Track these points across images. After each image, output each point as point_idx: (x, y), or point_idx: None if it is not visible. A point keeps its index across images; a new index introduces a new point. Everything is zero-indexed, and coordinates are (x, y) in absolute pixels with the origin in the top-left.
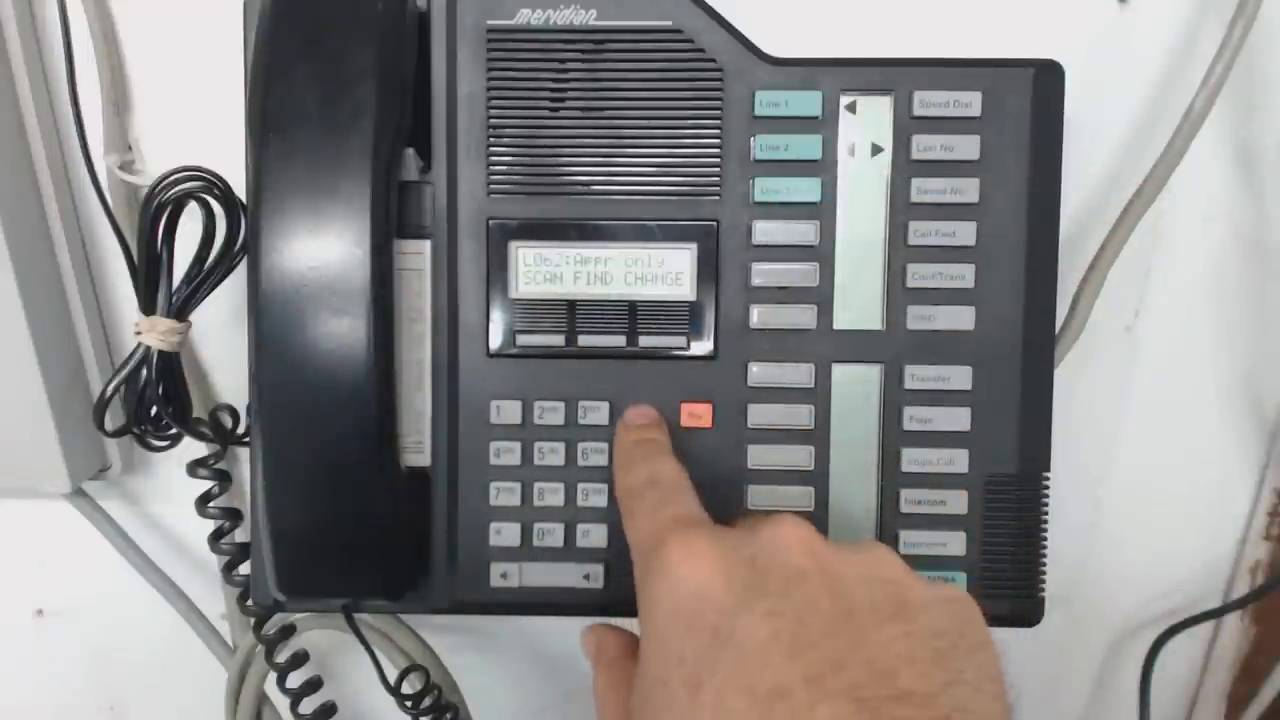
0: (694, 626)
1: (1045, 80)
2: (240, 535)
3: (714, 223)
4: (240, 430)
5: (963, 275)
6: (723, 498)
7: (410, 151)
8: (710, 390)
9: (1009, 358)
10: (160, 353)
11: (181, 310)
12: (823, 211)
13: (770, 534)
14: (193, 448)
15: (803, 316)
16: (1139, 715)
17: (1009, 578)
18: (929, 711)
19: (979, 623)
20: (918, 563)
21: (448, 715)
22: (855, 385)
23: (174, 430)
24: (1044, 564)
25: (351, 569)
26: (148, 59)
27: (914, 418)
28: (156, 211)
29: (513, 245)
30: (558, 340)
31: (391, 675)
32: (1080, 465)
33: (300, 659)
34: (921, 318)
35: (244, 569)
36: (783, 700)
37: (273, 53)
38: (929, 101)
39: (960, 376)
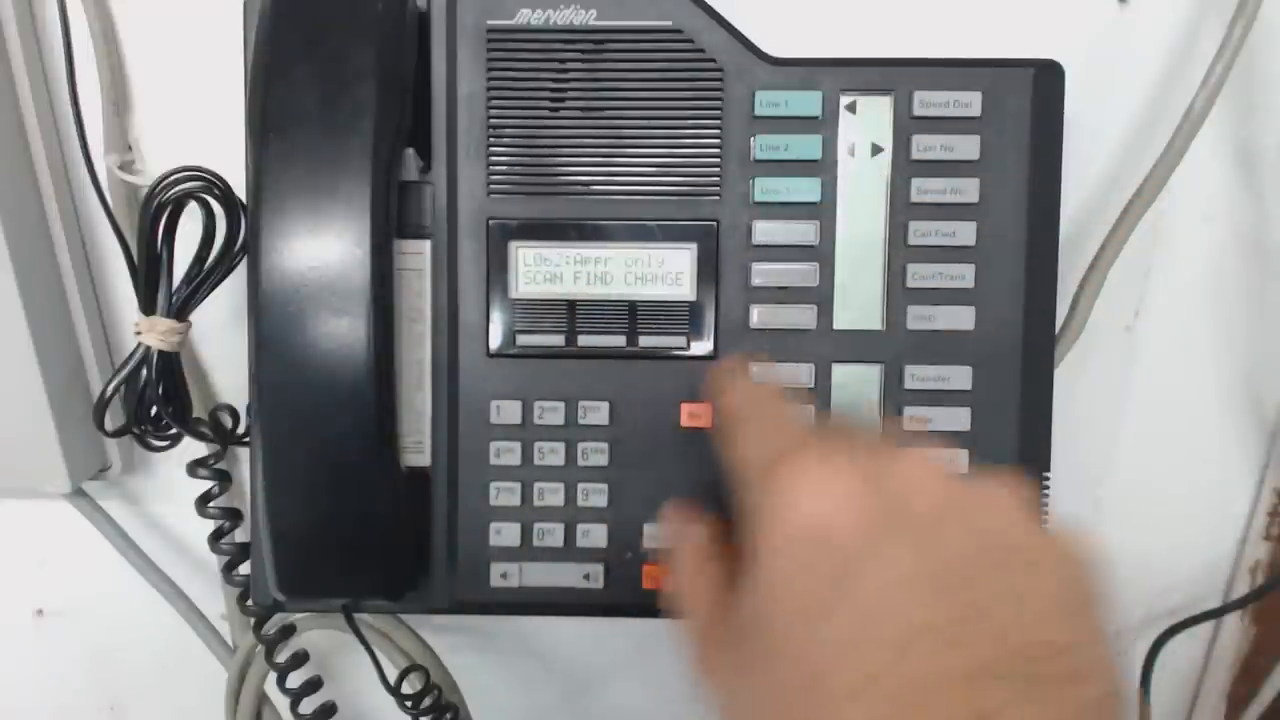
0: (817, 557)
1: (1045, 80)
2: (240, 535)
3: (714, 223)
4: (240, 430)
5: (963, 275)
6: (723, 498)
7: (410, 151)
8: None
9: (1009, 358)
10: (160, 353)
11: (181, 310)
12: (823, 211)
13: (902, 469)
14: (193, 448)
15: (803, 316)
16: (1139, 715)
17: None
18: (1062, 666)
19: (1095, 577)
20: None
21: (448, 715)
22: (855, 385)
23: (174, 430)
24: None
25: (351, 569)
26: (148, 59)
27: (914, 418)
28: (156, 211)
29: (513, 245)
30: (558, 340)
31: (391, 675)
32: (1080, 465)
33: (300, 659)
34: (921, 318)
35: (244, 569)
36: (916, 641)
37: (273, 53)
38: (929, 101)
39: (960, 376)
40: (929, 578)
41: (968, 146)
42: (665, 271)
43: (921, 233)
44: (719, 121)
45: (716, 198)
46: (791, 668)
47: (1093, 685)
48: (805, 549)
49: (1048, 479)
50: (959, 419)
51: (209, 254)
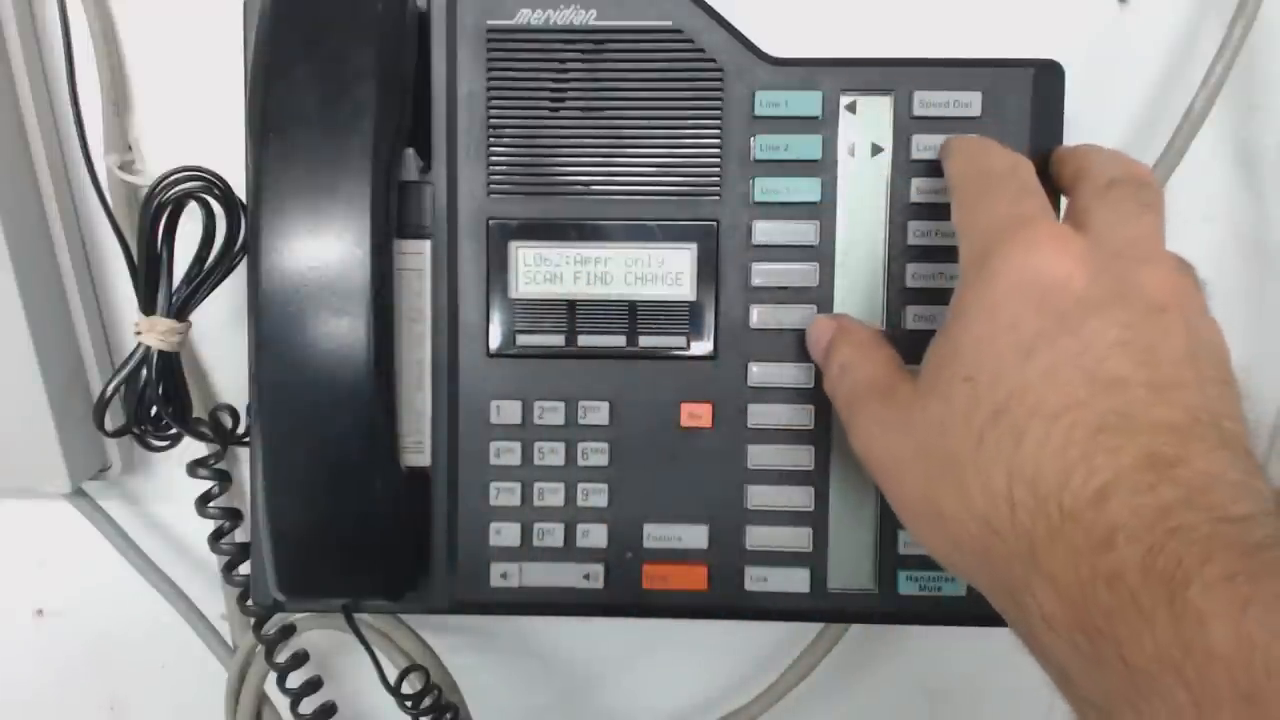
0: (1042, 304)
1: (1045, 80)
2: (240, 535)
3: (714, 223)
4: (240, 430)
5: None
6: (722, 498)
7: (410, 151)
8: (710, 390)
9: None
10: (160, 353)
11: (181, 310)
12: (823, 211)
13: (1146, 263)
14: (193, 448)
15: (803, 316)
16: None
17: None
18: (1248, 460)
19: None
20: (918, 563)
21: (448, 715)
22: None
23: (174, 430)
24: None
25: (351, 569)
26: (148, 59)
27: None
28: (156, 211)
29: (513, 245)
30: (558, 340)
31: (391, 675)
32: None
33: (300, 659)
34: (921, 318)
35: (244, 569)
36: (1120, 389)
37: (273, 53)
38: (929, 101)
39: None
40: (1142, 346)
41: None
42: (665, 271)
43: (921, 233)
44: (719, 121)
45: (716, 198)
46: (985, 392)
47: (1267, 488)
48: (1035, 294)
49: None
50: None
51: (209, 254)
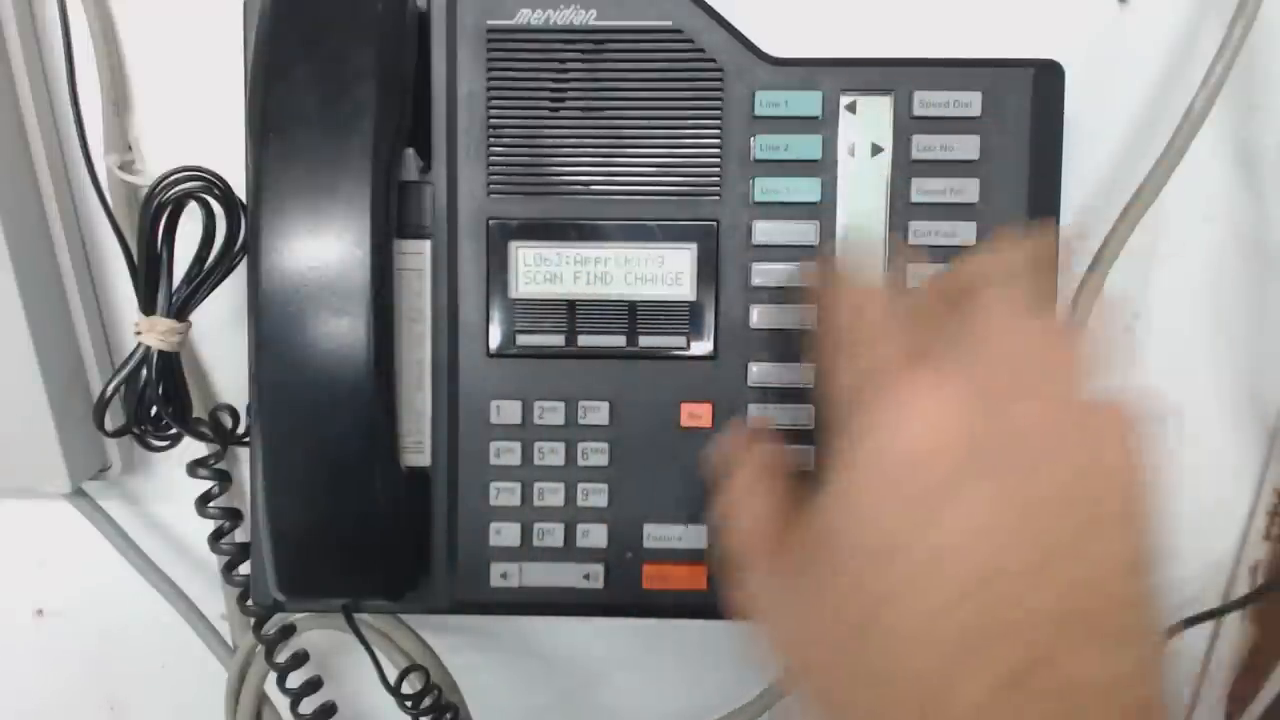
0: (912, 479)
1: (1045, 80)
2: (240, 535)
3: (714, 223)
4: (240, 430)
5: None
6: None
7: (410, 151)
8: (710, 390)
9: None
10: (160, 353)
11: (181, 310)
12: (823, 211)
13: (1018, 412)
14: (193, 448)
15: (803, 316)
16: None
17: None
18: (1137, 618)
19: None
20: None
21: (448, 715)
22: None
23: (174, 430)
24: None
25: (351, 569)
26: (148, 59)
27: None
28: (156, 211)
29: (513, 245)
30: (558, 340)
31: (391, 675)
32: None
33: (300, 659)
34: None
35: (244, 569)
36: (990, 583)
37: (273, 53)
38: (929, 101)
39: None
40: (1010, 524)
41: (968, 146)
42: (665, 271)
43: (921, 233)
44: (719, 121)
45: (716, 198)
46: (855, 599)
47: (1157, 643)
48: (898, 478)
49: None
50: None
51: (209, 254)
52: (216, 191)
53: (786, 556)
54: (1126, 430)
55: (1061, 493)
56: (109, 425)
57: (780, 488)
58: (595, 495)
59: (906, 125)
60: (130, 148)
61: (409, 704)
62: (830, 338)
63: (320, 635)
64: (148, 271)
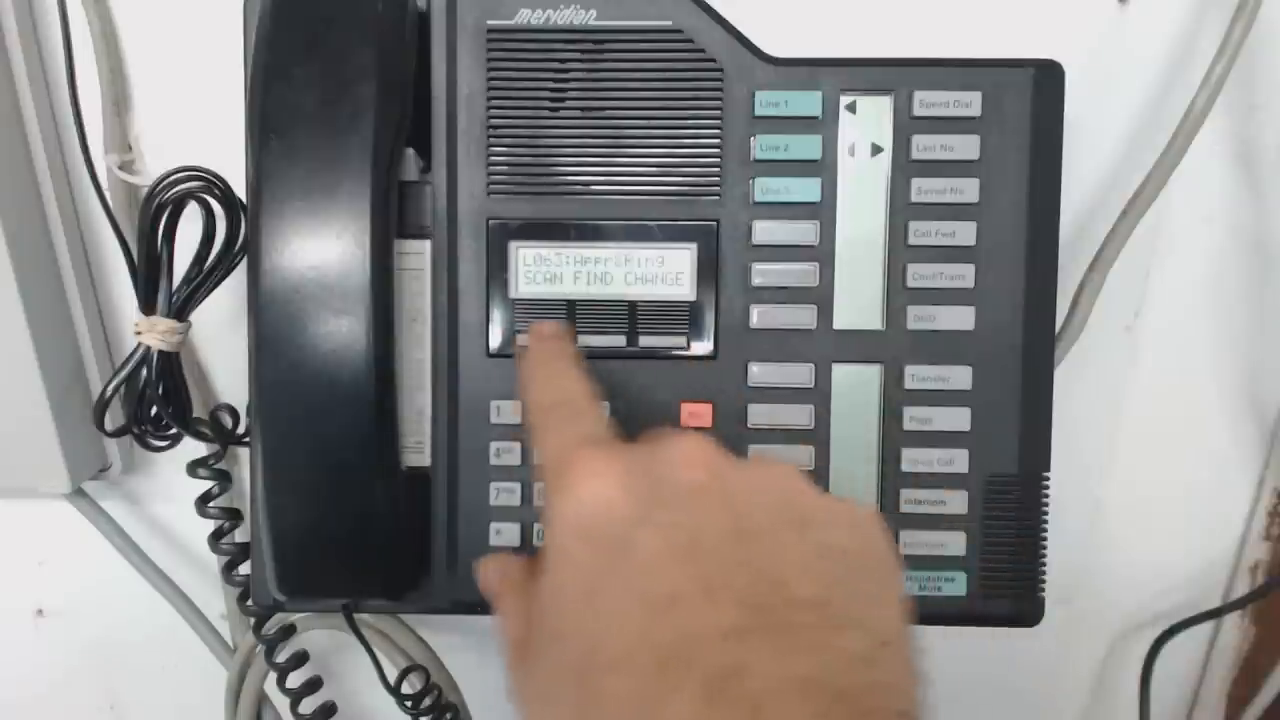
0: (593, 539)
1: (1045, 80)
2: (240, 535)
3: (714, 223)
4: (240, 430)
5: (963, 275)
6: None
7: (410, 151)
8: (710, 390)
9: (1009, 358)
10: (160, 353)
11: (181, 310)
12: (823, 211)
13: (670, 450)
14: (193, 448)
15: (803, 316)
16: (1139, 715)
17: (1009, 578)
18: (821, 618)
19: (880, 537)
20: (917, 563)
21: (448, 715)
22: (855, 385)
23: (174, 430)
24: (1044, 564)
25: (351, 569)
26: (148, 59)
27: (914, 418)
28: (156, 211)
29: (513, 245)
30: None
31: (391, 675)
32: (1080, 465)
33: (300, 659)
34: (921, 318)
35: (244, 569)
36: (674, 607)
37: (273, 53)
38: (929, 101)
39: (960, 376)
40: (689, 543)
41: (968, 146)
42: (665, 271)
43: (921, 233)
44: (719, 121)
45: (716, 198)
46: (570, 648)
47: (856, 635)
48: (585, 532)
49: (1048, 479)
50: (959, 419)
51: (209, 254)
52: (216, 191)
53: (528, 637)
54: (781, 467)
55: (734, 514)
56: (109, 425)
57: (524, 584)
58: None
59: (906, 125)
60: (130, 148)
61: (409, 704)
62: (534, 417)
63: (320, 635)
64: (148, 271)
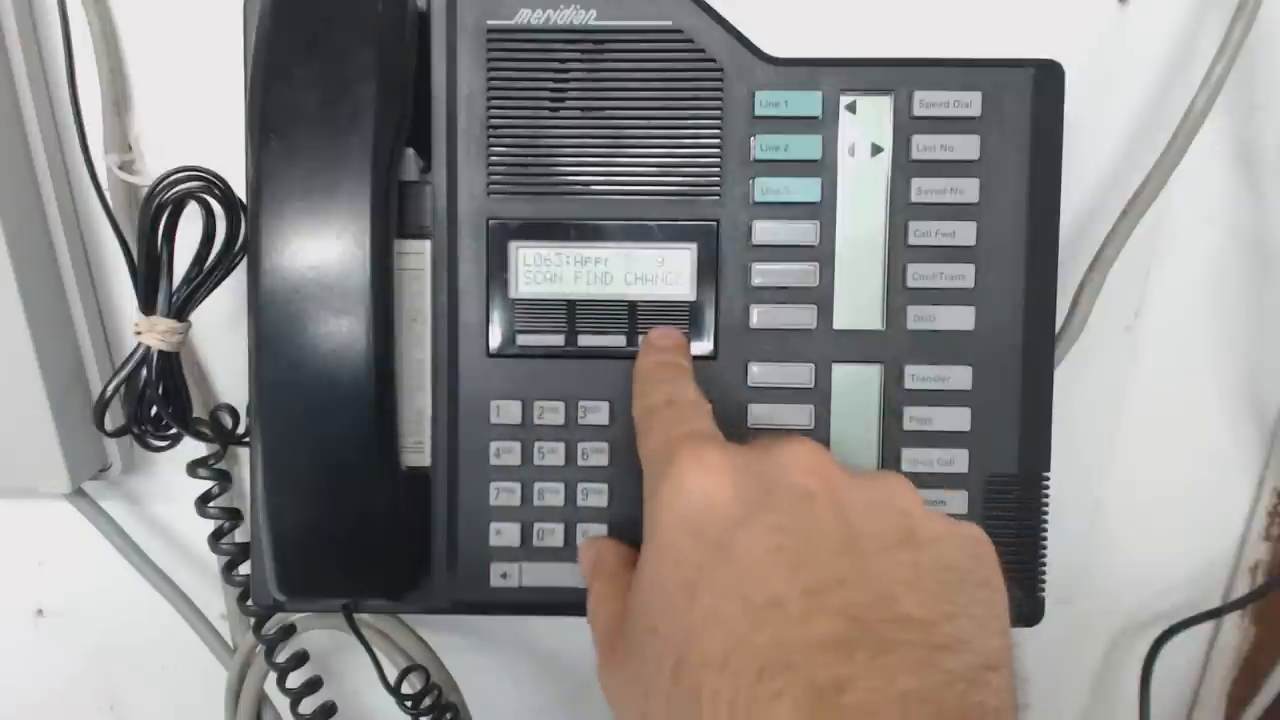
0: (698, 534)
1: (1045, 80)
2: (240, 535)
3: (714, 223)
4: (240, 430)
5: (963, 275)
6: None
7: (410, 151)
8: (710, 390)
9: (1009, 358)
10: (160, 353)
11: (181, 310)
12: (823, 211)
13: (782, 453)
14: (193, 448)
15: (803, 316)
16: (1139, 715)
17: (1009, 578)
18: (926, 637)
19: (990, 560)
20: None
21: (448, 715)
22: (855, 385)
23: (174, 430)
24: (1044, 564)
25: (351, 569)
26: (148, 59)
27: (914, 418)
28: (156, 211)
29: (513, 245)
30: (558, 340)
31: (391, 675)
32: (1080, 465)
33: (300, 659)
34: (921, 318)
35: (244, 569)
36: (777, 610)
37: (273, 53)
38: (929, 101)
39: (960, 376)
40: (795, 549)
41: (968, 146)
42: (665, 271)
43: (921, 233)
44: (719, 121)
45: (716, 198)
46: (666, 643)
47: (961, 656)
48: (690, 526)
49: (1048, 479)
50: (959, 419)
51: (209, 254)
52: (216, 191)
53: (622, 631)
54: (894, 480)
55: (844, 522)
56: (109, 425)
57: (621, 577)
58: (595, 495)
59: (906, 125)
60: (130, 148)
61: (409, 704)
62: (641, 422)
63: (320, 635)
64: (148, 271)
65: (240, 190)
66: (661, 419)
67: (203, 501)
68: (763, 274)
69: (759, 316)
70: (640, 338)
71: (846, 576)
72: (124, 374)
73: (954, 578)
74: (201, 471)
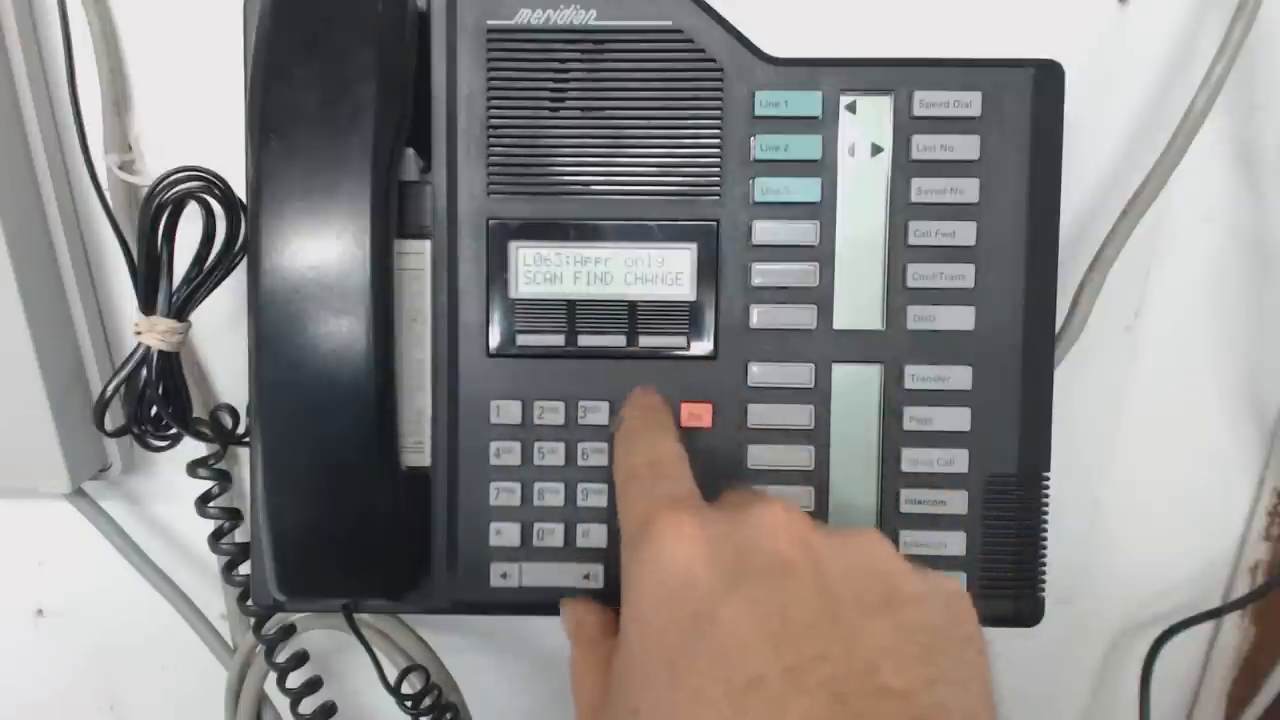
0: (676, 609)
1: (1045, 80)
2: (240, 535)
3: (714, 223)
4: (240, 430)
5: (963, 275)
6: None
7: (410, 151)
8: (710, 390)
9: (1009, 358)
10: (160, 353)
11: (181, 310)
12: (823, 211)
13: (759, 518)
14: (193, 448)
15: (803, 316)
16: (1139, 715)
17: (1009, 578)
18: (907, 708)
19: (970, 617)
20: (917, 564)
21: (448, 715)
22: (855, 385)
23: (174, 430)
24: (1044, 564)
25: (351, 569)
26: (148, 59)
27: (914, 418)
28: (156, 211)
29: (513, 245)
30: (558, 340)
31: (391, 675)
32: (1080, 465)
33: (300, 659)
34: (921, 318)
35: (244, 569)
36: (758, 691)
37: (273, 53)
38: (929, 101)
39: (960, 376)
40: (775, 624)
41: (968, 146)
42: (665, 271)
43: (921, 233)
44: (719, 121)
45: (716, 198)
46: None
47: None
48: (669, 597)
49: (1048, 479)
50: (959, 419)
51: (209, 254)
52: (216, 191)
53: (604, 708)
54: (873, 540)
55: (824, 591)
56: (109, 425)
57: (603, 647)
58: (595, 495)
59: (906, 125)
60: (130, 148)
61: (409, 704)
62: (620, 482)
63: (320, 635)
64: (148, 271)
65: (240, 190)
66: (641, 481)
67: (203, 501)
68: (763, 274)
69: (759, 316)
70: (632, 385)
71: (828, 651)
72: (124, 374)
73: (937, 639)
74: (201, 471)
